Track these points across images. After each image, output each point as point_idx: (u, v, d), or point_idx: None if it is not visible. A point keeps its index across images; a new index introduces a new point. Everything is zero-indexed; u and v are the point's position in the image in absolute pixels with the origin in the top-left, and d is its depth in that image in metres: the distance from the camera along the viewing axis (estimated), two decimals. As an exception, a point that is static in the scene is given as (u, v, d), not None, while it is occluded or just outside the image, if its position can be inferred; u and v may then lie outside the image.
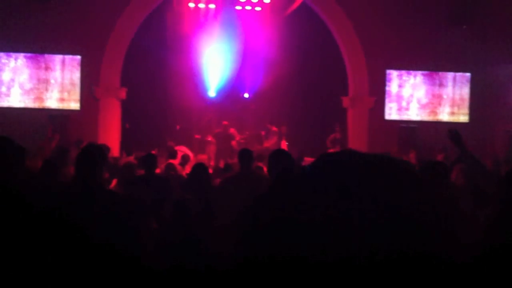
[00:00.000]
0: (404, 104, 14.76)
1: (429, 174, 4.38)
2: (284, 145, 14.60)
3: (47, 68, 13.71)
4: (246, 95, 18.15)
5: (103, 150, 3.76)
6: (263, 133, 15.46)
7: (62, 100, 13.74)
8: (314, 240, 0.81)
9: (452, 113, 14.85)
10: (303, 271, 0.80)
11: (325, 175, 0.87)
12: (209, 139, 15.01)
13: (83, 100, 13.76)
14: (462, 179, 5.24)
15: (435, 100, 14.83)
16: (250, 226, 0.91)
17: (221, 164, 10.77)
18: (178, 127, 15.50)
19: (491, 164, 9.38)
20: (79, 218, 3.12)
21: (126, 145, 13.04)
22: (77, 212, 3.19)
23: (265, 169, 8.40)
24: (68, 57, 13.70)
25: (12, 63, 13.60)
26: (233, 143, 14.69)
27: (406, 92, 14.73)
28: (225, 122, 14.94)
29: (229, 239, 4.35)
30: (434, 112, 14.81)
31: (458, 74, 14.80)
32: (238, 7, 16.79)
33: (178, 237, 4.22)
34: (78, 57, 13.69)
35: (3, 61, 13.58)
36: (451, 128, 4.72)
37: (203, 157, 13.50)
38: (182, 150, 12.18)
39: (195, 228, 4.35)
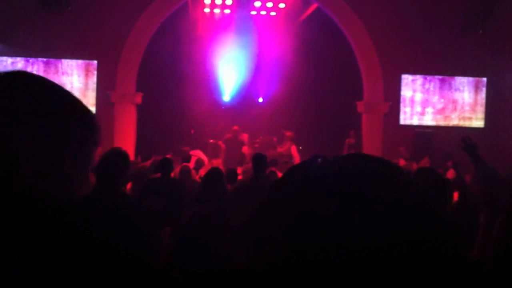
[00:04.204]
0: (419, 109, 14.68)
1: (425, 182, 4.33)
2: (294, 150, 14.56)
3: (63, 73, 13.86)
4: (260, 100, 18.19)
5: (127, 158, 3.70)
6: (275, 139, 15.43)
7: (78, 104, 13.86)
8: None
9: (468, 118, 14.74)
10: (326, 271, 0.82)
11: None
12: (220, 145, 14.87)
13: (98, 104, 13.88)
14: (476, 187, 5.18)
15: (450, 105, 14.73)
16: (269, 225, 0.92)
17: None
18: (192, 131, 15.55)
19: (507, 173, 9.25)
20: (103, 228, 3.11)
21: (141, 149, 13.13)
22: (101, 222, 3.18)
23: (278, 174, 8.42)
24: (84, 62, 13.84)
25: (29, 68, 13.77)
26: (244, 148, 14.64)
27: (421, 97, 14.65)
28: (236, 127, 14.83)
29: (241, 242, 4.37)
30: (449, 117, 14.71)
31: (474, 79, 14.69)
32: (253, 13, 16.85)
33: (193, 241, 4.25)
34: (95, 62, 13.82)
35: (20, 66, 13.76)
36: (464, 136, 4.60)
37: (217, 161, 13.51)
38: (197, 154, 12.21)
39: (210, 232, 4.38)
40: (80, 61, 13.84)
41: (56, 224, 0.87)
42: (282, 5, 16.39)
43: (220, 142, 14.70)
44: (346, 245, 0.81)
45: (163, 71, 15.67)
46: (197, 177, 8.65)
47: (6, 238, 0.85)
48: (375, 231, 0.82)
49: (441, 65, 14.38)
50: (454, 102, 14.74)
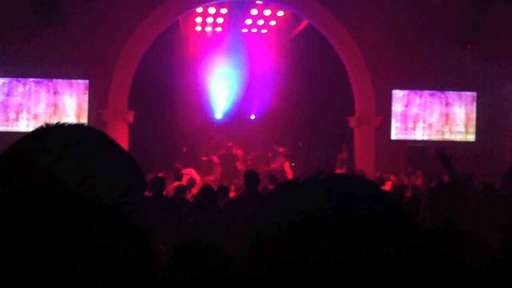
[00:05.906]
0: (410, 123, 14.74)
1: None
2: (287, 166, 14.59)
3: (55, 93, 13.83)
4: (252, 117, 18.22)
5: None
6: (270, 154, 15.47)
7: (70, 124, 13.82)
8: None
9: (459, 132, 14.80)
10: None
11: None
12: (215, 160, 15.12)
13: (91, 123, 13.83)
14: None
15: (442, 119, 14.79)
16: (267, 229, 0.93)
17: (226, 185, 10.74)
18: (184, 149, 15.56)
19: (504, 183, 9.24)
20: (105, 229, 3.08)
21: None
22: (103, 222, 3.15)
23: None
24: (76, 82, 13.83)
25: (20, 88, 13.74)
26: (238, 163, 14.75)
27: (412, 111, 14.71)
28: (229, 144, 15.07)
29: (240, 244, 4.35)
30: (440, 132, 14.77)
31: (464, 93, 14.78)
32: (244, 30, 16.96)
33: (193, 247, 4.23)
34: (86, 81, 13.82)
35: (11, 86, 13.73)
36: (438, 149, 4.69)
37: (210, 179, 13.51)
38: (189, 173, 12.18)
39: (209, 238, 4.38)
40: (71, 81, 13.82)
41: (57, 225, 0.87)
42: (273, 23, 16.51)
43: (214, 158, 14.86)
44: (345, 245, 0.82)
45: (155, 89, 15.69)
46: (189, 196, 8.59)
47: (6, 238, 0.85)
48: (375, 231, 0.83)
49: (431, 80, 14.46)
50: (445, 116, 14.80)
